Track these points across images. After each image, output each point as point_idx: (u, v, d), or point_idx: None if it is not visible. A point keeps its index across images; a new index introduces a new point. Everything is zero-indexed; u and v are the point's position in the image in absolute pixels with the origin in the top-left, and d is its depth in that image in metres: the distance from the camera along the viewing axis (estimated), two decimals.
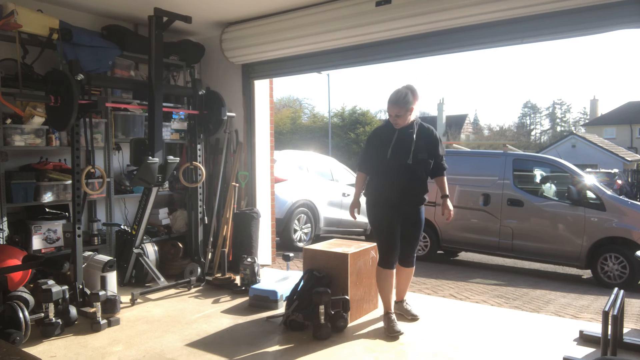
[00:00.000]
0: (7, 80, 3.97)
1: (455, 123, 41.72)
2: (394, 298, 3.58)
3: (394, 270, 3.48)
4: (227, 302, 4.18)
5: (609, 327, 2.61)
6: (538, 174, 7.73)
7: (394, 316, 3.46)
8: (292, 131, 25.81)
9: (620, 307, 2.80)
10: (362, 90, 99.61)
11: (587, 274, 7.22)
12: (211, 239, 5.14)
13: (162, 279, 4.45)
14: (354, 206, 3.65)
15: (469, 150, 9.34)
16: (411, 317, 3.68)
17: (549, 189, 7.41)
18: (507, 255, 7.35)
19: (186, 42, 5.29)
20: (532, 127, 60.95)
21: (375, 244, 3.63)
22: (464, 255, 8.52)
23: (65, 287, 3.55)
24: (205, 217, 4.97)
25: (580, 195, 6.77)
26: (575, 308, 4.86)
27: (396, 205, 3.42)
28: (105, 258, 4.15)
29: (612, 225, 6.51)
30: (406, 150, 3.34)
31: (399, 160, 3.34)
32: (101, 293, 3.53)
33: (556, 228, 6.83)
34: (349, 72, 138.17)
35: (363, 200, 3.63)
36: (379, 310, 3.89)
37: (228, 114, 4.94)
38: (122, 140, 4.90)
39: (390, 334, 3.36)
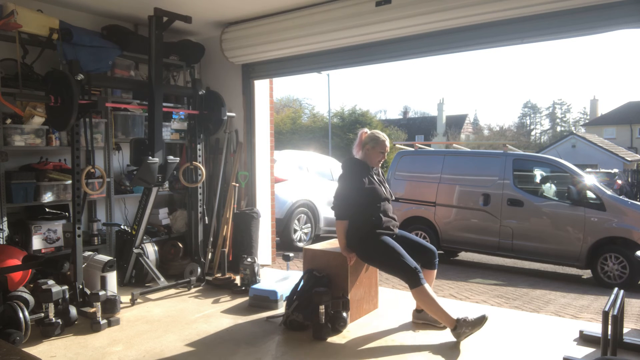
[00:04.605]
0: (7, 80, 3.97)
1: (455, 123, 41.76)
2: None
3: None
4: (227, 302, 4.18)
5: (609, 327, 2.61)
6: (538, 174, 7.72)
7: (462, 317, 3.22)
8: (292, 131, 25.80)
9: (620, 307, 2.80)
10: (362, 90, 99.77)
11: (587, 274, 7.22)
12: (211, 239, 5.14)
13: (162, 279, 4.45)
14: (348, 251, 3.48)
15: (469, 150, 9.32)
16: (442, 325, 3.42)
17: (549, 189, 7.40)
18: (507, 255, 7.34)
19: (186, 42, 5.29)
20: (532, 127, 61.01)
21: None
22: (464, 255, 8.51)
23: (65, 287, 3.55)
24: (205, 217, 4.97)
25: (580, 195, 6.77)
26: (575, 308, 4.86)
27: (391, 233, 3.50)
28: (105, 258, 4.15)
29: (612, 225, 6.51)
30: (385, 187, 3.62)
31: (386, 197, 3.56)
32: (101, 293, 3.53)
33: (556, 228, 6.83)
34: (349, 72, 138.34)
35: None
36: (379, 310, 3.90)
37: (228, 114, 4.94)
38: (122, 140, 4.91)
39: (479, 324, 3.16)
